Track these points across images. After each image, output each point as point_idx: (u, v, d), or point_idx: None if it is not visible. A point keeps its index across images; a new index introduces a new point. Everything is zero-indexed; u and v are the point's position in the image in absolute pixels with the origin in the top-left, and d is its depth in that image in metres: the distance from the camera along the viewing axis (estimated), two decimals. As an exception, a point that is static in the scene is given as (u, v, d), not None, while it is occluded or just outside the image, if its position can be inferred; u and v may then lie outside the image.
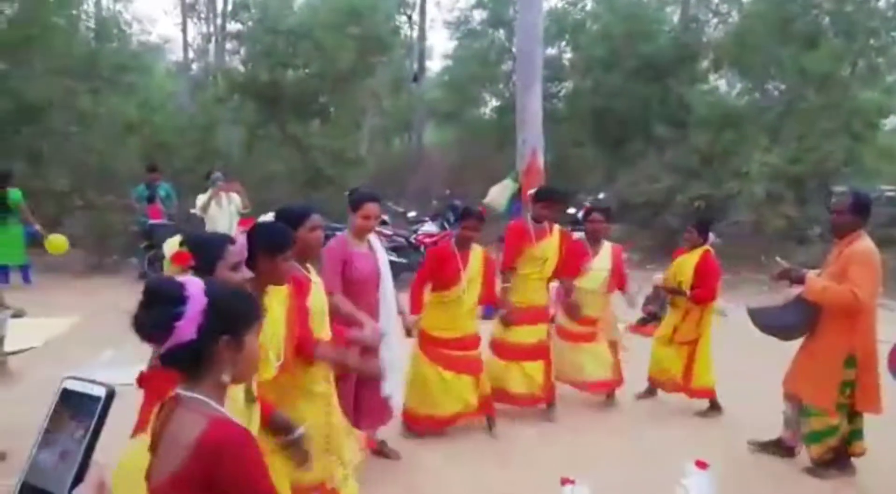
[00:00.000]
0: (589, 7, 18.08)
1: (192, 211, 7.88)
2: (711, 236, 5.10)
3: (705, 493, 3.41)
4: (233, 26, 16.26)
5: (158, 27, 34.75)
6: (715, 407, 4.96)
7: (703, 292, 4.78)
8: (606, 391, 5.13)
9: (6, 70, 11.36)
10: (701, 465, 3.77)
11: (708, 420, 4.91)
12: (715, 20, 15.90)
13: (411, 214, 11.86)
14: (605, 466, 4.03)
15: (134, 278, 9.88)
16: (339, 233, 3.87)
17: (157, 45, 20.83)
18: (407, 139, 21.17)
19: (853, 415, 3.78)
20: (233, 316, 1.44)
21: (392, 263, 10.47)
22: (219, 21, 18.28)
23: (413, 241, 10.51)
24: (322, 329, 2.80)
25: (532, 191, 4.84)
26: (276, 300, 2.40)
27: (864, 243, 3.58)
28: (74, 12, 13.68)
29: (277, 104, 13.56)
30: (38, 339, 6.31)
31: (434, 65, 24.46)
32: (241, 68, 14.80)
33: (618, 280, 5.00)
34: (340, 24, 13.88)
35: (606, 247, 4.97)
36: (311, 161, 13.02)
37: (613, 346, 5.09)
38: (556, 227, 4.77)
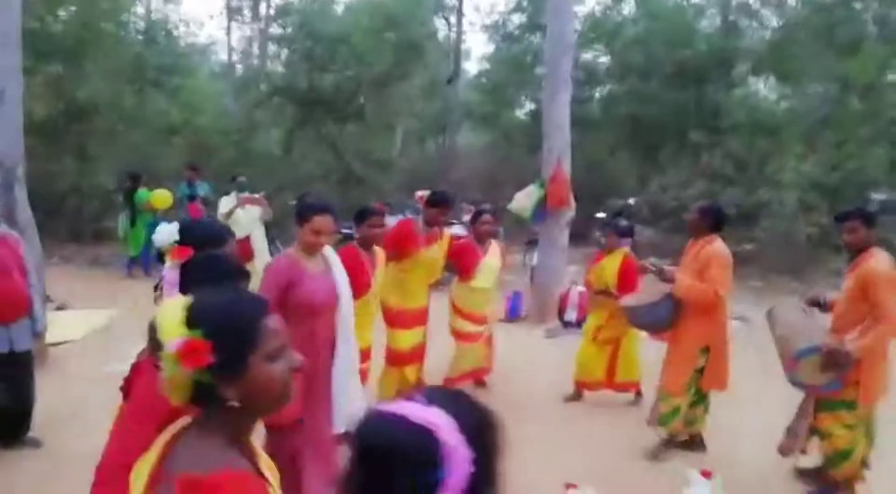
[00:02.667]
0: (626, 12, 17.96)
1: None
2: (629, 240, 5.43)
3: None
4: (275, 30, 16.71)
5: (205, 30, 35.79)
6: (639, 394, 5.22)
7: (626, 293, 4.95)
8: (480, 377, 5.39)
9: (60, 73, 11.96)
10: (706, 474, 3.83)
11: (624, 412, 5.05)
12: (755, 26, 15.62)
13: (441, 216, 12.01)
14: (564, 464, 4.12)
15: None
16: (290, 250, 3.20)
17: (203, 48, 21.48)
18: (441, 141, 21.37)
19: (699, 398, 4.12)
20: (494, 461, 0.96)
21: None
22: (262, 25, 18.79)
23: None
24: None
25: (423, 195, 4.72)
26: None
27: (719, 246, 3.97)
28: (125, 16, 14.29)
29: (315, 107, 13.90)
30: (77, 332, 6.65)
31: (471, 67, 24.64)
32: (282, 71, 15.21)
33: None
34: (378, 29, 14.16)
35: (495, 246, 5.14)
36: (345, 162, 13.31)
37: (489, 339, 5.33)
38: (446, 231, 4.76)
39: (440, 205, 4.57)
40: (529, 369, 5.91)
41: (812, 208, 10.67)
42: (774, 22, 14.99)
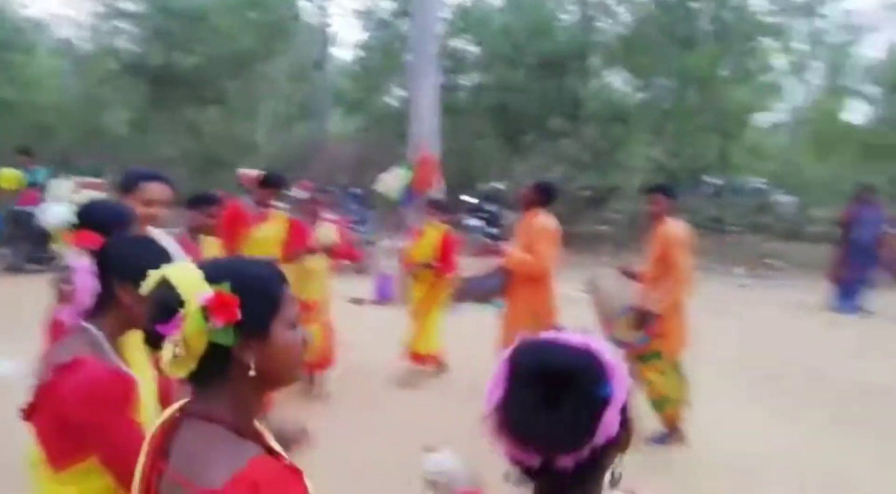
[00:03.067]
0: (494, 3, 18.47)
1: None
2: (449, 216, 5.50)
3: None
4: (124, 5, 15.51)
5: (44, 4, 32.29)
6: (440, 366, 5.30)
7: (446, 266, 5.16)
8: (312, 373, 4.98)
9: None
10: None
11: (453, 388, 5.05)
12: (610, 21, 16.65)
13: (308, 201, 11.82)
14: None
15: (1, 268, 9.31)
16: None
17: (41, 23, 19.50)
18: (311, 127, 20.93)
19: None
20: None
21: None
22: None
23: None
24: None
25: (252, 174, 4.41)
26: (139, 358, 1.59)
27: (546, 221, 4.28)
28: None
29: (171, 87, 13.11)
30: None
31: (345, 53, 24.31)
32: (132, 49, 14.16)
33: (345, 253, 5.06)
34: (239, 7, 13.58)
35: (327, 227, 4.94)
36: (205, 146, 12.69)
37: (327, 327, 4.98)
38: (279, 212, 4.66)
39: (271, 186, 4.47)
40: (394, 350, 5.94)
41: (656, 190, 11.62)
42: (627, 18, 16.07)
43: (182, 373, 1.00)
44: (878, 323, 7.91)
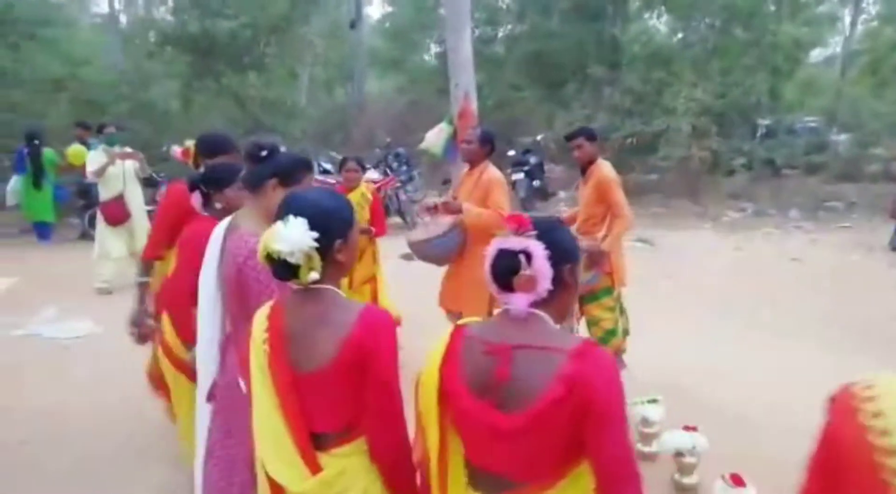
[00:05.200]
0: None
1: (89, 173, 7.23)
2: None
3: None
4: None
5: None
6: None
7: (381, 227, 4.95)
8: None
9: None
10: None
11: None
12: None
13: (354, 162, 11.93)
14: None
15: (73, 238, 9.75)
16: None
17: (80, -2, 19.81)
18: (350, 88, 20.96)
19: None
20: None
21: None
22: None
23: (356, 188, 10.73)
24: None
25: (184, 148, 3.75)
26: None
27: (496, 171, 4.13)
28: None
29: (211, 56, 13.23)
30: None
31: (375, 12, 24.07)
32: (170, 19, 14.31)
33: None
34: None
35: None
36: (250, 113, 12.85)
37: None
38: None
39: (216, 154, 3.05)
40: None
41: (704, 133, 11.33)
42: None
43: None
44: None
